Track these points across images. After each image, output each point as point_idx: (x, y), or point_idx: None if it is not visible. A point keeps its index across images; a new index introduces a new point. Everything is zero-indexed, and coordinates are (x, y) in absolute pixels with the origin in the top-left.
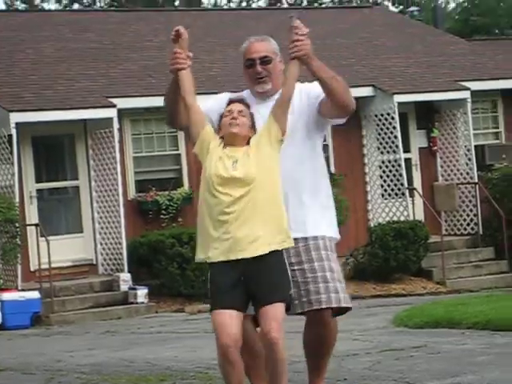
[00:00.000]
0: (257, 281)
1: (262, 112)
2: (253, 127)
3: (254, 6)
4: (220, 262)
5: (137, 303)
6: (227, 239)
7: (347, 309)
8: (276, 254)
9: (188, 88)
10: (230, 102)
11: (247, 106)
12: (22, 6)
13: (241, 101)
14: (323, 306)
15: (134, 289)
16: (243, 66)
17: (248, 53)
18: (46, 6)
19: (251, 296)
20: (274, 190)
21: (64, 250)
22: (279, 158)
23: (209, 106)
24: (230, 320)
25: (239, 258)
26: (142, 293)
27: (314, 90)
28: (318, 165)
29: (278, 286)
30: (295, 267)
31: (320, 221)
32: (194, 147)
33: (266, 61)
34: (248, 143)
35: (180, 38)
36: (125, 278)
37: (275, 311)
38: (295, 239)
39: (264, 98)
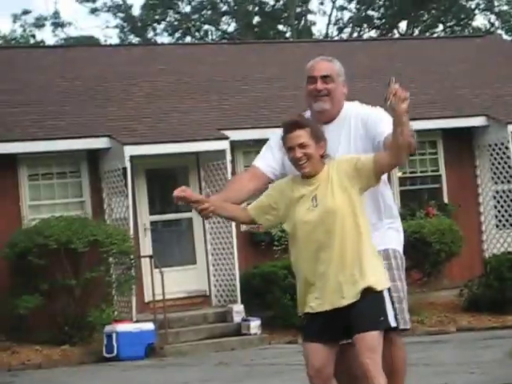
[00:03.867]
0: (349, 313)
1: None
2: (320, 140)
3: (365, 36)
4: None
5: (250, 334)
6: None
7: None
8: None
9: (231, 212)
10: (285, 131)
11: (301, 124)
12: (135, 40)
13: (294, 124)
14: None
15: (247, 320)
16: (305, 85)
17: (310, 71)
18: (158, 39)
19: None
20: (356, 222)
21: (178, 282)
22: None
23: (269, 155)
24: (315, 353)
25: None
26: (255, 324)
27: (373, 125)
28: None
29: (371, 315)
30: None
31: (390, 236)
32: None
33: (327, 80)
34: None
35: (184, 198)
36: (238, 309)
37: (370, 340)
38: None
39: (323, 121)
